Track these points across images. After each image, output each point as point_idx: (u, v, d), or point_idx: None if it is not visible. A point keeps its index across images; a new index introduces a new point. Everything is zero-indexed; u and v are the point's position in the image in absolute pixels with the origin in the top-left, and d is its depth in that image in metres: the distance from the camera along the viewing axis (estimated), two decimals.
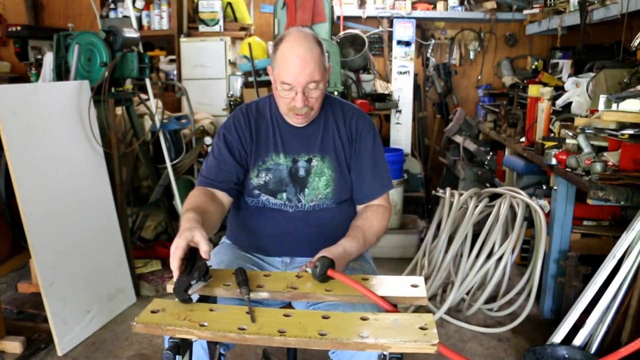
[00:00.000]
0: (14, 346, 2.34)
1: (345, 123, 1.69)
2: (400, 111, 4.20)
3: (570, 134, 2.43)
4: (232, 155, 1.64)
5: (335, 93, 3.55)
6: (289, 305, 1.56)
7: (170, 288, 1.37)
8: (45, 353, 2.39)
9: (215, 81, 4.18)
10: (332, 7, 3.84)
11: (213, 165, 1.64)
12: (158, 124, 3.24)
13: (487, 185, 3.84)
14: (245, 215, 1.69)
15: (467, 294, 2.78)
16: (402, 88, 4.23)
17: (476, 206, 2.82)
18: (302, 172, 1.65)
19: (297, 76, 1.50)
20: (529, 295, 2.62)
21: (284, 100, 1.57)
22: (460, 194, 2.97)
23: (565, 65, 3.66)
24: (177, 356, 1.16)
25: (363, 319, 1.16)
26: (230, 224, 1.79)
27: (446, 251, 2.84)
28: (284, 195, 1.65)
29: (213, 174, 1.62)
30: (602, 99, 2.29)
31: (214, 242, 3.41)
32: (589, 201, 2.08)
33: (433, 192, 3.22)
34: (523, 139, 3.04)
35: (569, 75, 3.24)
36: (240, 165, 1.65)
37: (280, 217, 1.65)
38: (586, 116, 2.46)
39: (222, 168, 1.63)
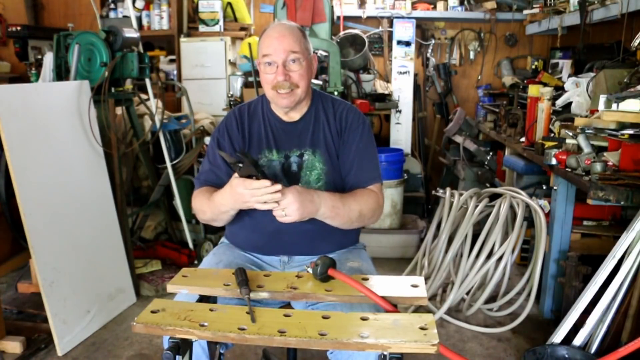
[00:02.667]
0: (14, 346, 2.34)
1: (336, 116, 1.71)
2: (400, 111, 4.21)
3: (570, 134, 2.43)
4: (225, 162, 1.68)
5: (336, 93, 3.55)
6: (288, 305, 1.56)
7: (170, 288, 1.37)
8: (45, 353, 2.39)
9: (215, 81, 4.18)
10: (332, 7, 3.84)
11: (208, 170, 1.72)
12: (158, 124, 3.25)
13: (487, 185, 3.84)
14: (242, 214, 1.70)
15: (467, 294, 2.78)
16: (402, 88, 4.23)
17: (476, 206, 2.82)
18: (294, 167, 1.67)
19: (276, 47, 1.57)
20: (529, 295, 2.62)
21: (268, 80, 1.60)
22: (460, 194, 2.97)
23: (565, 65, 3.66)
24: (177, 356, 1.16)
25: (363, 319, 1.16)
26: (228, 224, 1.79)
27: (446, 251, 2.83)
28: None
29: (211, 180, 1.70)
30: (602, 99, 2.29)
31: (214, 242, 3.41)
32: (589, 201, 2.08)
33: (433, 192, 3.22)
34: (523, 139, 3.04)
35: (569, 75, 3.24)
36: (232, 169, 1.67)
37: None
38: (586, 116, 2.46)
39: (217, 174, 1.69)
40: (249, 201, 1.44)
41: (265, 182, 1.39)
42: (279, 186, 1.41)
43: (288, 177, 1.67)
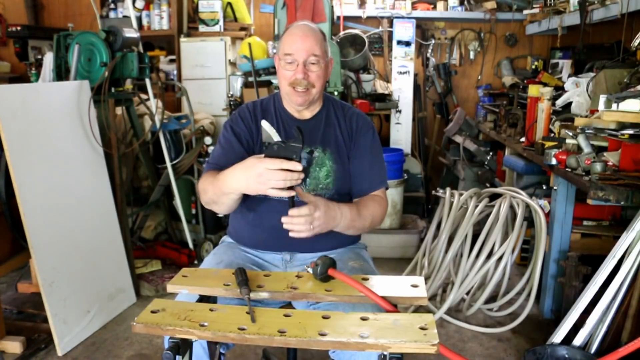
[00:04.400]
0: (14, 346, 2.34)
1: (346, 120, 1.77)
2: (400, 111, 4.21)
3: (570, 134, 2.43)
4: (240, 142, 1.69)
5: (335, 93, 3.55)
6: (289, 305, 1.56)
7: (170, 288, 1.37)
8: (45, 353, 2.39)
9: (215, 81, 4.18)
10: (332, 7, 3.84)
11: (221, 154, 1.69)
12: (158, 124, 3.24)
13: (487, 185, 3.84)
14: (246, 209, 1.70)
15: (467, 294, 2.78)
16: (402, 88, 4.23)
17: (476, 206, 2.82)
18: (304, 163, 1.67)
19: (298, 46, 1.62)
20: (529, 295, 2.62)
21: (286, 76, 1.65)
22: (460, 194, 2.97)
23: (565, 65, 3.66)
24: (177, 356, 1.16)
25: (363, 319, 1.16)
26: (232, 219, 1.80)
27: (446, 251, 2.84)
28: None
29: (222, 162, 1.64)
30: (602, 99, 2.30)
31: (214, 243, 3.41)
32: (589, 201, 2.08)
33: (433, 192, 3.22)
34: (523, 139, 3.04)
35: (569, 75, 3.24)
36: (247, 152, 1.68)
37: (281, 208, 1.64)
38: (586, 116, 2.46)
39: (229, 156, 1.64)
40: (265, 183, 1.36)
41: (298, 166, 1.35)
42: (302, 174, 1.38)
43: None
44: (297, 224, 1.41)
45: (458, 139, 4.20)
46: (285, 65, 1.64)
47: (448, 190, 3.04)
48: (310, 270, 1.38)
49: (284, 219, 1.41)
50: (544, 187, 2.86)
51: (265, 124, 1.40)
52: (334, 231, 1.63)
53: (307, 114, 1.74)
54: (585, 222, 2.66)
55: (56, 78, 2.92)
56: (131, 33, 2.99)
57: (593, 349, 2.00)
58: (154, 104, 3.27)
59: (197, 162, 3.52)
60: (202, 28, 4.26)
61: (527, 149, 2.92)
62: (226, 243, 1.80)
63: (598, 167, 2.09)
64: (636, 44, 2.53)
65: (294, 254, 1.71)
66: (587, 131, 2.32)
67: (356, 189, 1.73)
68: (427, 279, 2.86)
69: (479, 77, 4.81)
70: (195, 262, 3.38)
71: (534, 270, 2.60)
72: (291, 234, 1.43)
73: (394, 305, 1.27)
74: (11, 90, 2.46)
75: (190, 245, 3.46)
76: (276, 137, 1.39)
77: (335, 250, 1.71)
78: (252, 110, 1.76)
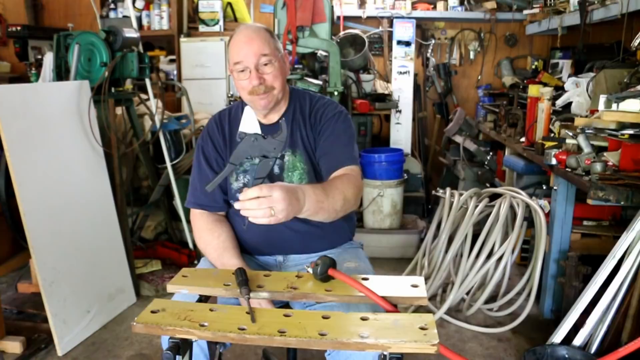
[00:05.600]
0: (14, 346, 2.34)
1: (312, 112, 1.69)
2: (400, 111, 4.21)
3: (570, 134, 2.43)
4: (212, 169, 1.67)
5: (336, 93, 3.55)
6: (288, 305, 1.56)
7: (170, 288, 1.37)
8: (45, 353, 2.39)
9: (215, 81, 4.18)
10: (332, 7, 3.84)
11: (199, 188, 1.68)
12: (158, 124, 3.24)
13: (487, 185, 3.84)
14: (233, 219, 1.70)
15: (467, 294, 2.78)
16: (402, 88, 4.23)
17: (476, 206, 2.82)
18: (276, 170, 1.65)
19: (246, 52, 1.55)
20: (529, 295, 2.62)
21: (243, 86, 1.59)
22: (460, 194, 2.97)
23: (565, 65, 3.66)
24: (177, 356, 1.16)
25: (363, 319, 1.16)
26: None
27: (446, 251, 2.83)
28: None
29: (202, 200, 1.68)
30: (602, 99, 2.29)
31: None
32: (589, 201, 2.08)
33: (433, 192, 3.22)
34: (523, 139, 3.04)
35: (569, 75, 3.24)
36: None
37: None
38: (586, 116, 2.46)
39: (208, 192, 1.62)
40: None
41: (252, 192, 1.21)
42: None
43: (271, 180, 1.65)
44: (250, 207, 1.21)
45: (458, 139, 4.20)
46: (239, 75, 1.57)
47: (448, 190, 3.04)
48: (310, 270, 1.37)
49: (236, 205, 1.24)
50: (544, 187, 2.86)
51: (247, 111, 1.31)
52: (325, 230, 1.62)
53: (274, 117, 1.68)
54: (585, 222, 2.66)
55: (56, 78, 2.92)
56: (131, 33, 2.99)
57: (593, 349, 2.00)
58: (154, 104, 3.28)
59: None
60: (202, 28, 4.26)
61: (527, 149, 2.92)
62: None
63: (598, 167, 2.08)
64: (636, 44, 2.52)
65: (287, 256, 1.70)
66: (587, 131, 2.32)
67: (324, 170, 1.64)
68: (427, 279, 2.86)
69: (479, 77, 4.81)
70: (195, 262, 3.37)
71: (534, 270, 2.60)
72: (251, 220, 1.24)
73: (394, 305, 1.27)
74: (11, 90, 2.46)
75: (190, 245, 3.46)
76: (255, 129, 1.27)
77: (330, 250, 1.70)
78: (219, 123, 1.71)
